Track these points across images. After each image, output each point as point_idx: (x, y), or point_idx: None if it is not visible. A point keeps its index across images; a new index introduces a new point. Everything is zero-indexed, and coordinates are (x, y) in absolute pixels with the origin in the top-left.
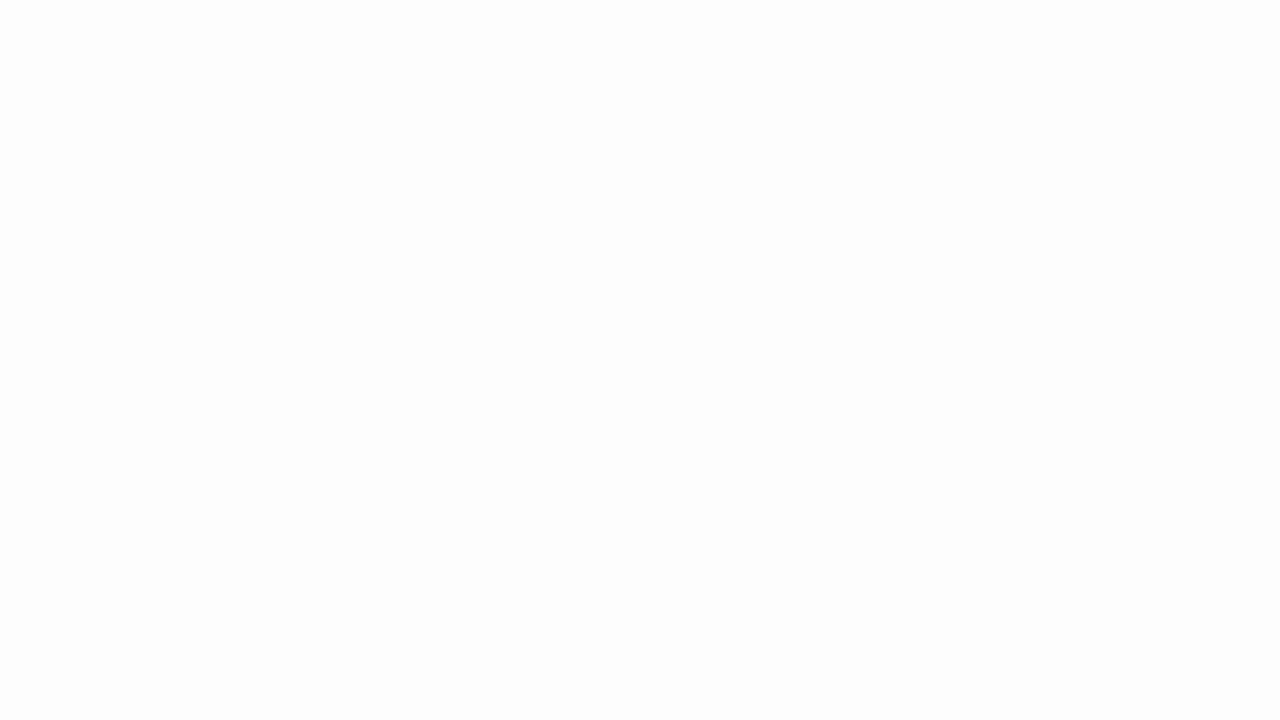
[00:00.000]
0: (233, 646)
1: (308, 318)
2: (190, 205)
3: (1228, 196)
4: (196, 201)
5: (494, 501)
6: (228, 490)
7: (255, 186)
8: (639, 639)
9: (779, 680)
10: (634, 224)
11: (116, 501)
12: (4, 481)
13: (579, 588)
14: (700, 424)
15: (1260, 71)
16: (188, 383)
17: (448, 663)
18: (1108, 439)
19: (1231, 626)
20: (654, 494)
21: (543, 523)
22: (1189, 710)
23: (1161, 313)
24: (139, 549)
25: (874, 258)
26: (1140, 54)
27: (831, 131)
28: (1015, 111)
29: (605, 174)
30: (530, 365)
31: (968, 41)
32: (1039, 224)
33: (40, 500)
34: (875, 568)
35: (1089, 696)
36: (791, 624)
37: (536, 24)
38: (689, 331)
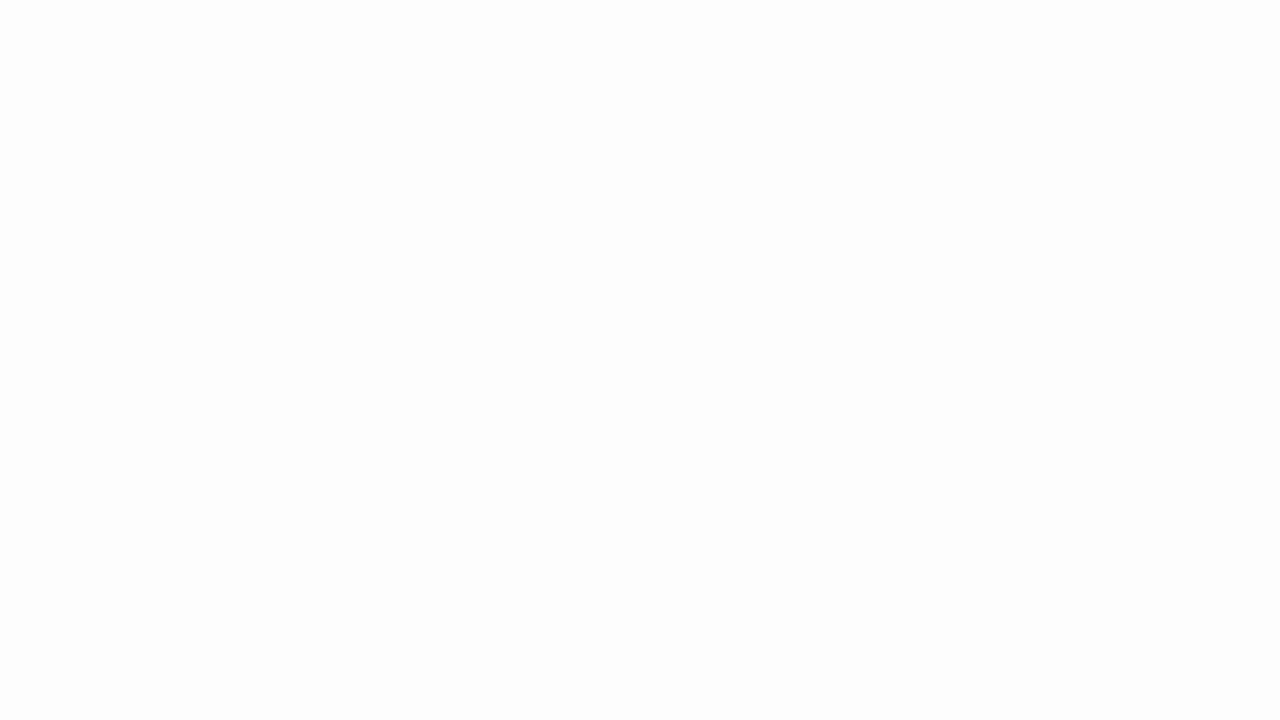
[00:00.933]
0: (232, 646)
1: (308, 317)
2: (190, 205)
3: (1228, 196)
4: (197, 201)
5: (494, 501)
6: (227, 490)
7: (256, 186)
8: (638, 639)
9: (777, 680)
10: (634, 224)
11: (116, 501)
12: (4, 481)
13: (578, 587)
14: (698, 424)
15: (1260, 71)
16: (187, 382)
17: (447, 662)
18: (1107, 439)
19: (1231, 626)
20: (653, 494)
21: (542, 522)
22: (1189, 710)
23: (1161, 312)
24: (139, 549)
25: (874, 257)
26: (1140, 54)
27: (831, 131)
28: (1015, 112)
29: (605, 174)
30: (530, 365)
31: (968, 42)
32: (1039, 224)
33: (40, 500)
34: (875, 567)
35: (1088, 696)
36: (789, 624)
37: (536, 24)
38: (688, 331)
